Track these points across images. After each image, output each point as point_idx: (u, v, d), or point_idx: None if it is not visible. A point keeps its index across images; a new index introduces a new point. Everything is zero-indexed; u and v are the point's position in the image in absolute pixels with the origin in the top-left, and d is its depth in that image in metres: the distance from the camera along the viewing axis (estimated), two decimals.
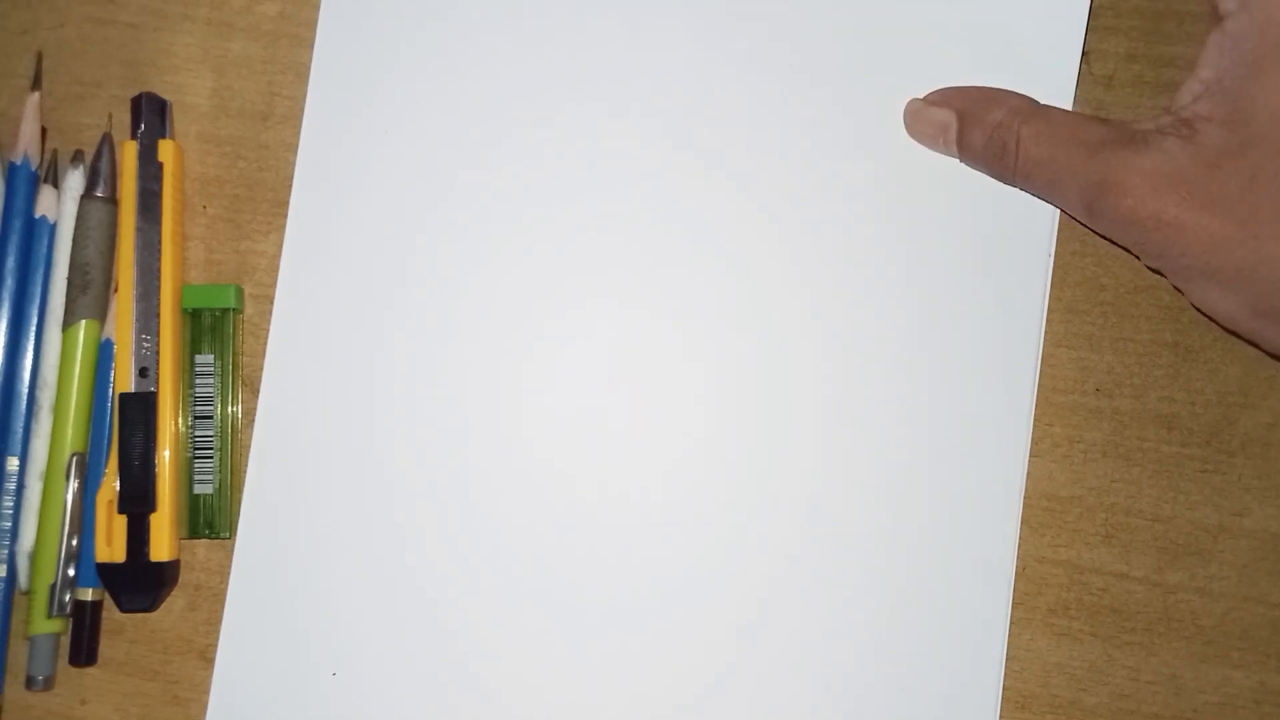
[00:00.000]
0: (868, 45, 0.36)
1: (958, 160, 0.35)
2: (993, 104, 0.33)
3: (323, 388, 0.36)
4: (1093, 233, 0.35)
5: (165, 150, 0.37)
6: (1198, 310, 0.33)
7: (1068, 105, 0.35)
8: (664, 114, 0.36)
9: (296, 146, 0.37)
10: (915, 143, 0.35)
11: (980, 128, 0.33)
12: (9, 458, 0.36)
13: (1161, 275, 0.33)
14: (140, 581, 0.35)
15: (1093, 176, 0.31)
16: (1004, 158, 0.33)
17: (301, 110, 0.38)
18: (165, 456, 0.36)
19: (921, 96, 0.35)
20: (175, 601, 0.37)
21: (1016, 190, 0.34)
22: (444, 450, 0.36)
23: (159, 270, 0.37)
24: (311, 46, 0.38)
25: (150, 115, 0.37)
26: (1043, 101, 0.33)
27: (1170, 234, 0.30)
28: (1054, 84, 0.34)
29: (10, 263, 0.37)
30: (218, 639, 0.36)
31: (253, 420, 0.37)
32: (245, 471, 0.36)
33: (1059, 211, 0.35)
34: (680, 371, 0.36)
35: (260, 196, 0.38)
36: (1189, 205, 0.30)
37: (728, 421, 0.35)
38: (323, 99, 0.38)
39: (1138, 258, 0.33)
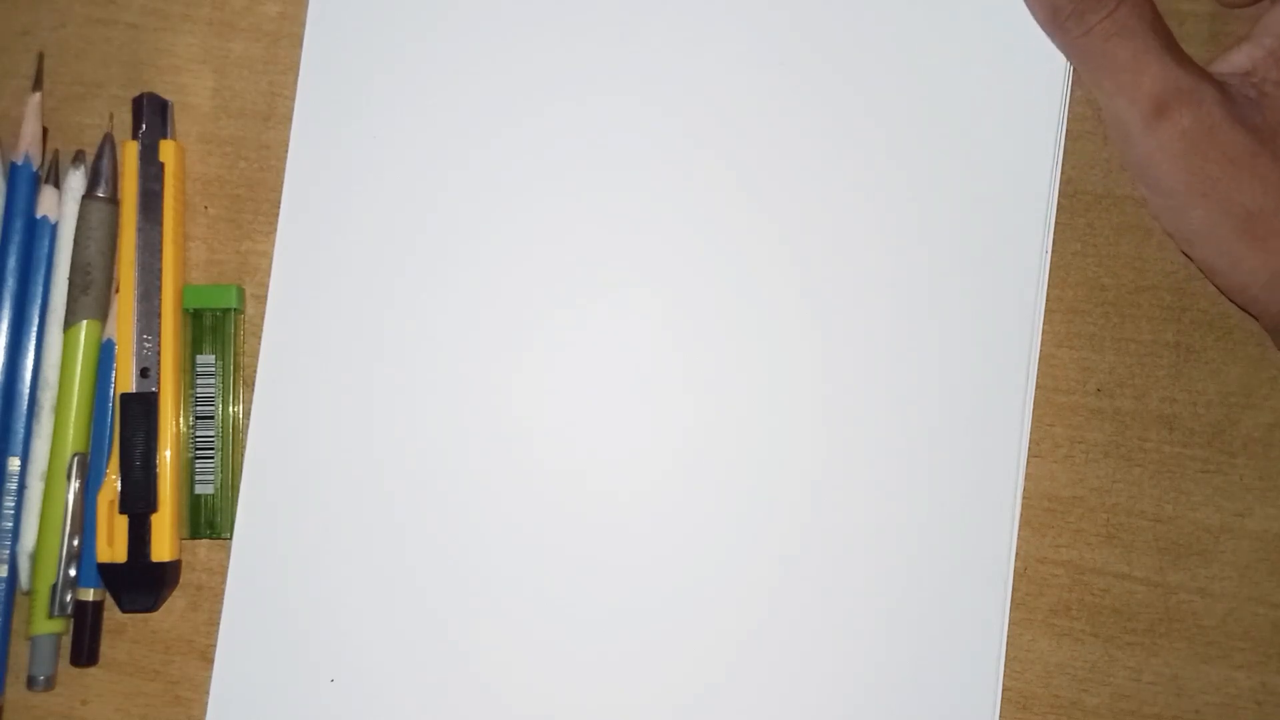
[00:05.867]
0: (861, 44, 0.36)
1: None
2: None
3: (317, 388, 0.36)
4: (1092, 230, 0.35)
5: (166, 150, 0.37)
6: (1186, 255, 0.34)
7: (1058, 106, 0.35)
8: (658, 113, 0.36)
9: None
10: (906, 141, 0.35)
11: None
12: (10, 458, 0.36)
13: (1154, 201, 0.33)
14: (141, 582, 0.36)
15: (1183, 84, 0.31)
16: (1097, 8, 0.32)
17: None
18: (166, 457, 0.36)
19: None
20: (176, 602, 0.37)
21: (1011, 190, 0.34)
22: (441, 449, 0.36)
23: (160, 270, 0.37)
24: None
25: (151, 115, 0.37)
26: (1035, 101, 0.33)
27: (1229, 168, 0.31)
28: (1045, 84, 0.34)
29: (11, 263, 0.37)
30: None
31: None
32: None
33: (1055, 211, 0.35)
34: (673, 372, 0.36)
35: (261, 197, 0.38)
36: (1261, 143, 0.31)
37: (725, 423, 0.35)
38: (312, 99, 0.37)
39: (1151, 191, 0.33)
